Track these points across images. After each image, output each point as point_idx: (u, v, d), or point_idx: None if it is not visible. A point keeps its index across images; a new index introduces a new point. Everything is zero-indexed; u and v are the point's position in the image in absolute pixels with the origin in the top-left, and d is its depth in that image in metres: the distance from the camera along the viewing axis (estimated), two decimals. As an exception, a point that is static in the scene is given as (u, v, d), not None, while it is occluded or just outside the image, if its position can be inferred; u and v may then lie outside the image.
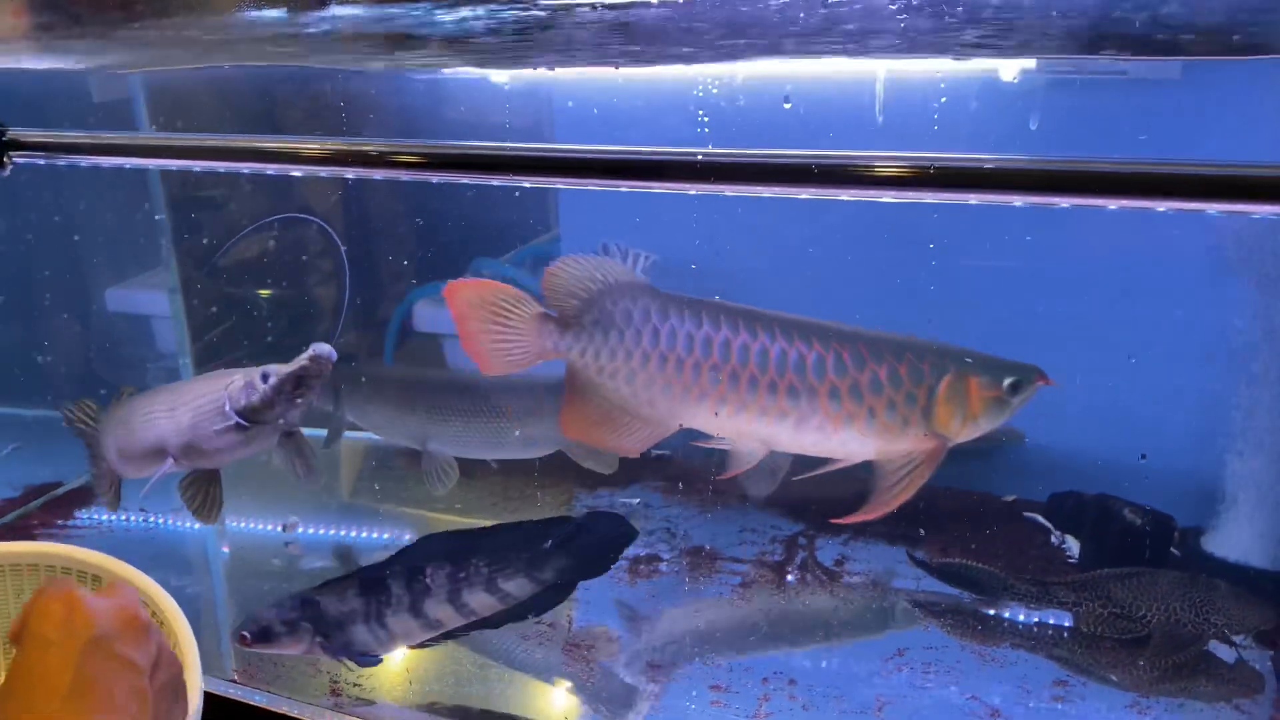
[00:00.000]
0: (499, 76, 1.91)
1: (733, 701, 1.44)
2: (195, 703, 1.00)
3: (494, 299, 1.41)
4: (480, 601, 1.48)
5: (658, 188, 1.04)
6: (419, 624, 1.48)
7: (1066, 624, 1.57)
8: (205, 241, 2.33)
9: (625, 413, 1.40)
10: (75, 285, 2.45)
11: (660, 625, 1.62)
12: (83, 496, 2.12)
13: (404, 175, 1.13)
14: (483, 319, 1.41)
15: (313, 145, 1.18)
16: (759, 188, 0.97)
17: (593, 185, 1.19)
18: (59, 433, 2.24)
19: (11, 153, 1.26)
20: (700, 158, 0.96)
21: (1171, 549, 1.67)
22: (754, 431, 1.37)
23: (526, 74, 1.88)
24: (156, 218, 2.26)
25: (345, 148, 1.11)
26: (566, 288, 1.41)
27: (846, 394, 1.32)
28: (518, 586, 1.50)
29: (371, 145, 1.12)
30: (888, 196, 0.92)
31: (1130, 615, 1.52)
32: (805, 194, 0.94)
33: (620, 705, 1.46)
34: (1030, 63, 1.59)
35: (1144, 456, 1.44)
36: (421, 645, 1.52)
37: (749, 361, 1.34)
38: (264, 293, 2.43)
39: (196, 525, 2.02)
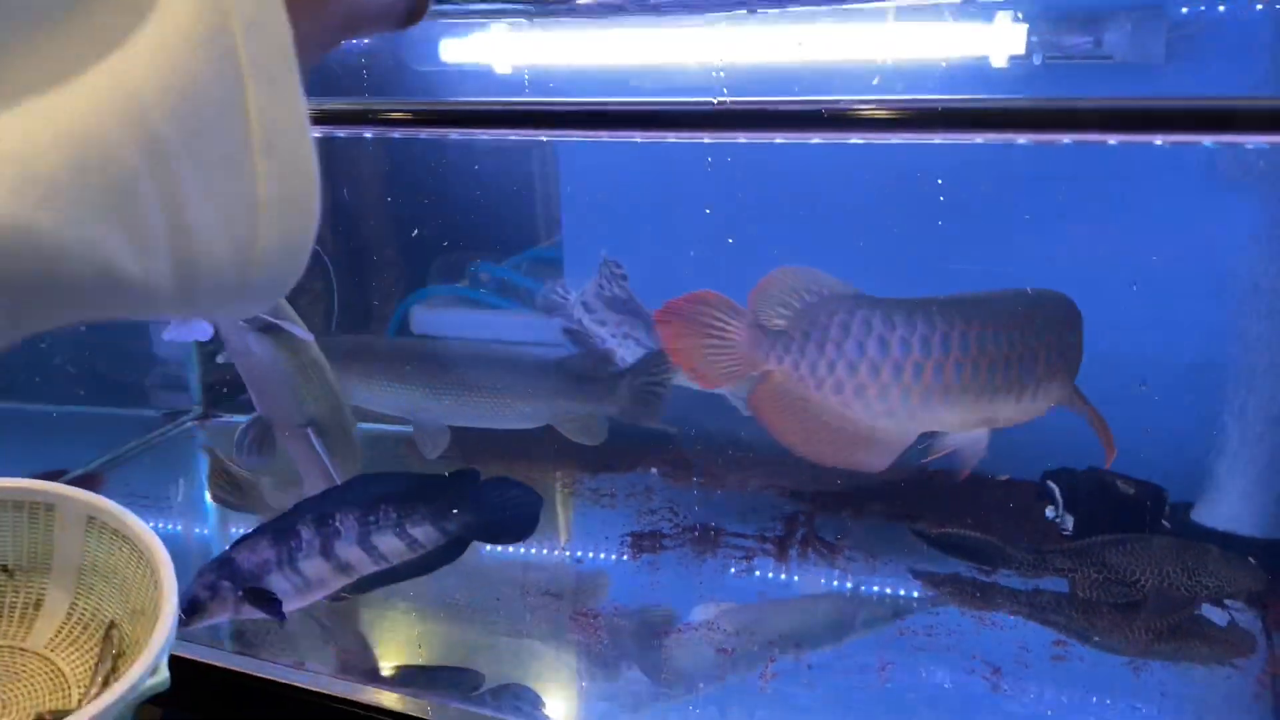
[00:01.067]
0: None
1: (739, 664, 1.46)
2: (165, 632, 1.03)
3: (707, 310, 1.39)
4: (389, 546, 1.50)
5: (671, 137, 1.08)
6: (330, 567, 1.49)
7: (1063, 590, 1.60)
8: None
9: (857, 427, 1.37)
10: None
11: (665, 596, 1.65)
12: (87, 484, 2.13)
13: (393, 133, 1.16)
14: (696, 332, 1.39)
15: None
16: (771, 133, 1.01)
17: (603, 137, 1.22)
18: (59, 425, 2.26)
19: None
20: (714, 105, 1.00)
21: (1163, 520, 1.71)
22: (987, 416, 1.39)
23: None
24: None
25: (329, 107, 1.14)
26: (778, 299, 1.38)
27: (1056, 353, 1.36)
28: (425, 534, 1.52)
29: (356, 104, 1.14)
30: (897, 138, 0.96)
31: (1125, 580, 1.56)
32: (816, 139, 0.98)
33: (627, 669, 1.48)
34: (1019, 48, 1.65)
35: (1144, 384, 1.49)
36: (337, 598, 1.54)
37: (986, 349, 1.35)
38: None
39: (198, 529, 2.05)
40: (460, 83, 2.07)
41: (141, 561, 1.15)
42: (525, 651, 1.56)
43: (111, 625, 1.20)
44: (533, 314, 2.22)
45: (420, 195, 2.28)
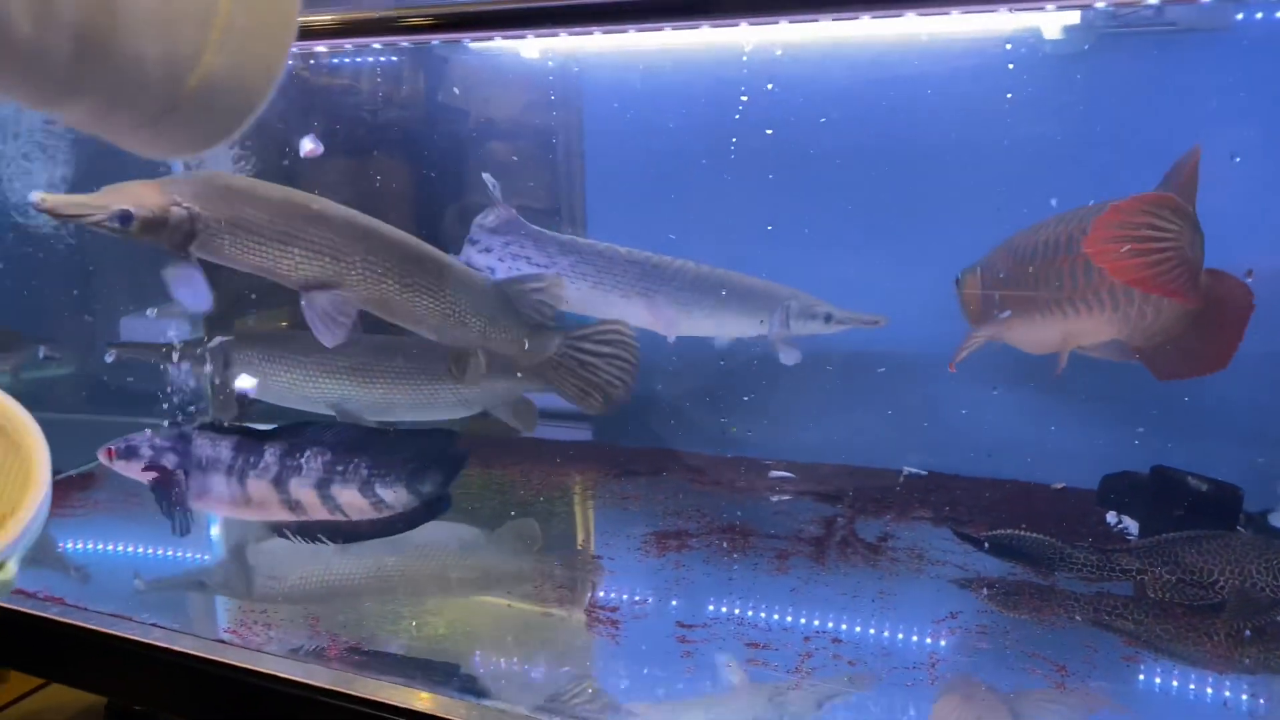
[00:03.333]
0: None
1: (772, 658, 1.32)
2: (20, 527, 0.93)
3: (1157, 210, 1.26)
4: (349, 499, 1.40)
5: (685, 25, 0.99)
6: (279, 499, 1.39)
7: (1130, 594, 1.45)
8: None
9: None
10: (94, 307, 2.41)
11: (693, 590, 1.51)
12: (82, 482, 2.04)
13: (424, 39, 1.09)
14: (1146, 237, 1.27)
15: (325, 18, 1.13)
16: (775, 16, 0.91)
17: (595, 30, 1.13)
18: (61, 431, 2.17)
19: None
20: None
21: (1238, 526, 1.55)
22: None
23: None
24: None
25: (354, 17, 1.07)
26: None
27: None
28: (395, 497, 1.41)
29: (381, 13, 1.07)
30: (912, 13, 0.86)
31: (1201, 581, 1.41)
32: (867, 16, 0.89)
33: (649, 665, 1.34)
34: (1075, 18, 1.56)
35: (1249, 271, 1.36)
36: (281, 533, 1.43)
37: None
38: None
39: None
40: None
41: (18, 457, 1.04)
42: (541, 646, 1.42)
43: None
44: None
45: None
